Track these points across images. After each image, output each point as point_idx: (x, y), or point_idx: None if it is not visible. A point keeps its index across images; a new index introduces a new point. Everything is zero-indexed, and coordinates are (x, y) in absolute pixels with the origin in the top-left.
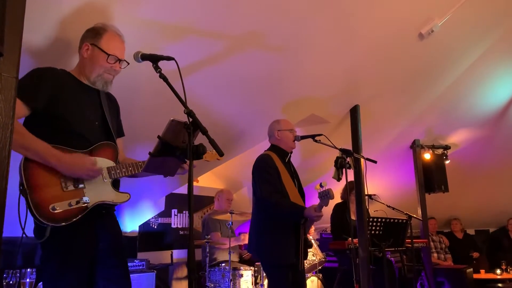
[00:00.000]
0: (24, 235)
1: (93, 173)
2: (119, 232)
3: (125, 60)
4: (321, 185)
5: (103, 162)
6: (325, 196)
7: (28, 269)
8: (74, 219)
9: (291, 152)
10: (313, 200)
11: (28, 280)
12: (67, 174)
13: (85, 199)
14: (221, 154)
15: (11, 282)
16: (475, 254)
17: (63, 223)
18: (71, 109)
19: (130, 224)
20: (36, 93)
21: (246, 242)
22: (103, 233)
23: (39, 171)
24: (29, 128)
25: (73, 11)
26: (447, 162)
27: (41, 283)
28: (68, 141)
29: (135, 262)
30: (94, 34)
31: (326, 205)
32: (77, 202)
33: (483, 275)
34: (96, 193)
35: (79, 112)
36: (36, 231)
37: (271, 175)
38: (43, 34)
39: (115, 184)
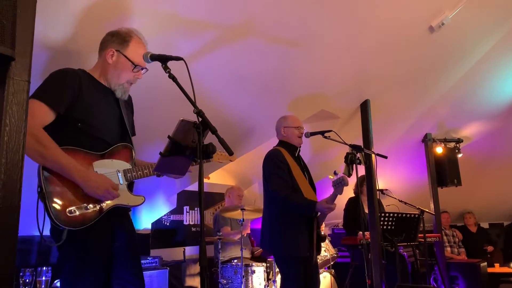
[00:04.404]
0: (42, 239)
1: (110, 197)
2: (134, 231)
3: (146, 68)
4: (335, 173)
5: (120, 165)
6: (339, 184)
7: (44, 267)
8: (91, 223)
9: (300, 147)
10: (325, 194)
11: (44, 278)
12: (87, 191)
13: (101, 202)
14: (230, 153)
15: (27, 280)
16: (489, 248)
17: (80, 227)
18: (91, 111)
19: (143, 221)
20: (60, 98)
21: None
22: (119, 232)
23: (57, 174)
24: (47, 130)
25: (91, 5)
26: (459, 155)
27: (57, 281)
28: (87, 143)
29: (148, 259)
30: (121, 41)
31: (341, 193)
32: (94, 206)
33: (497, 269)
34: None
35: (98, 115)
36: (52, 233)
37: (281, 169)
38: (60, 29)
39: (130, 186)
